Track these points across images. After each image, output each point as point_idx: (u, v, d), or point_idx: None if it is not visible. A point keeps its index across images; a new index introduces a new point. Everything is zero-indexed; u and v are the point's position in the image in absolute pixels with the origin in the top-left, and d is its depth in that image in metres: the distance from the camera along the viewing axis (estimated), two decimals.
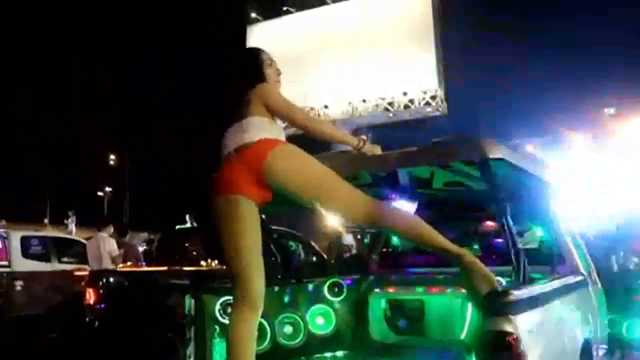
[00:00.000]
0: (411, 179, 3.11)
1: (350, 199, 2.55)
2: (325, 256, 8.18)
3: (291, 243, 7.79)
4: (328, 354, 3.85)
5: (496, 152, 2.47)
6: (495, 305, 2.25)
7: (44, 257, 9.78)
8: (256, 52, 2.91)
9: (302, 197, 2.56)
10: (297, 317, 3.74)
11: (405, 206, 3.01)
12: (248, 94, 2.68)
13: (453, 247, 2.51)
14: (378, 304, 4.03)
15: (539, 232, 4.13)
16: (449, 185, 3.24)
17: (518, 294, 2.36)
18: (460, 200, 3.54)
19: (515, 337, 2.15)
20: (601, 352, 3.73)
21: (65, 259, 9.86)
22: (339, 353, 3.89)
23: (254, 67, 2.81)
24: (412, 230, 2.55)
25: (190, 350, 3.12)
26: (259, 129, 2.59)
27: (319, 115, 23.77)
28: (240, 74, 2.83)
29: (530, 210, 3.56)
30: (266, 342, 3.42)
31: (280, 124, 2.74)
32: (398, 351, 3.81)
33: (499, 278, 2.47)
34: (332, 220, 4.54)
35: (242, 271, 2.51)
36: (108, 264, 7.38)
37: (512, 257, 2.78)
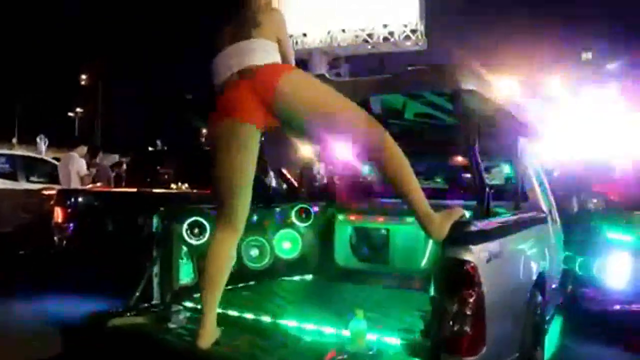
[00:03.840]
0: (383, 107, 3.09)
1: (356, 120, 2.39)
2: (296, 184, 8.23)
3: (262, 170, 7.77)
4: (293, 278, 3.94)
5: (467, 82, 2.44)
6: (456, 235, 2.29)
7: (11, 176, 9.65)
8: None
9: (309, 121, 2.41)
10: (264, 240, 3.79)
11: None
12: (254, 16, 2.51)
13: (426, 213, 2.37)
14: (344, 231, 4.10)
15: (506, 168, 4.18)
16: (420, 116, 3.23)
17: (478, 225, 2.42)
18: (430, 132, 3.54)
19: (473, 265, 2.19)
20: (554, 286, 3.88)
21: (33, 178, 9.73)
22: (304, 277, 3.99)
23: None
24: (398, 171, 2.37)
25: (156, 269, 3.13)
26: (268, 52, 2.46)
27: (296, 43, 23.28)
28: None
29: (498, 147, 3.59)
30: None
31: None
32: (361, 277, 3.92)
33: (463, 210, 2.51)
34: (304, 149, 4.51)
35: (231, 197, 2.47)
36: (77, 184, 7.31)
37: (478, 191, 2.83)
